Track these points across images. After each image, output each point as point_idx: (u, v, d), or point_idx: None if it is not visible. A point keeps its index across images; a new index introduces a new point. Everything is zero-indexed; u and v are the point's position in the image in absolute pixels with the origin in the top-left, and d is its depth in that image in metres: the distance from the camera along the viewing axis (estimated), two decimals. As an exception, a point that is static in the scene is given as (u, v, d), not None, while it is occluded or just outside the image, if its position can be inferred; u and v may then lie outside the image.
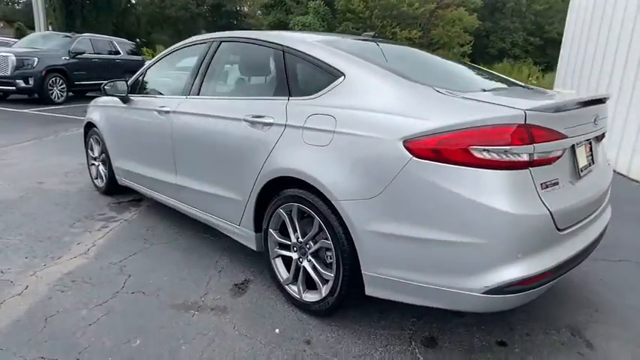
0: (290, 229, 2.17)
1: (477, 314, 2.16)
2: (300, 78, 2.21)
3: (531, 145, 1.56)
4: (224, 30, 3.03)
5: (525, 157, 1.56)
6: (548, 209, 1.59)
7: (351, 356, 1.88)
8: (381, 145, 1.73)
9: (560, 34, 27.14)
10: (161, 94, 3.33)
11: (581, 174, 1.89)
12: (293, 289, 2.21)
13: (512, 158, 1.54)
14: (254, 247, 2.46)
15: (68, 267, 2.66)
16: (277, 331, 2.05)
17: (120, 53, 12.77)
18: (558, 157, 1.68)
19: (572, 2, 7.69)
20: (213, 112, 2.55)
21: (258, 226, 2.39)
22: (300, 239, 2.13)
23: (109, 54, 12.51)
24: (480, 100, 1.69)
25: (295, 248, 2.18)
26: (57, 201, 3.86)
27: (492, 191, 1.54)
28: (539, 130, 1.58)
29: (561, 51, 7.91)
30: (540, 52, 28.67)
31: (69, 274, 2.56)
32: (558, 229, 1.65)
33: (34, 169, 4.84)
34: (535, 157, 1.58)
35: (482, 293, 1.60)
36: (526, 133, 1.55)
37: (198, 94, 2.78)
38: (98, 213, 3.60)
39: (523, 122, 1.54)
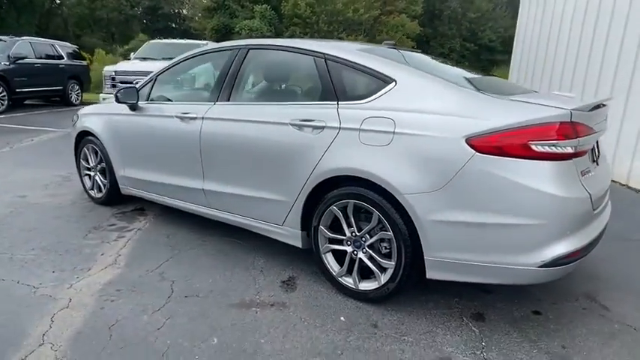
0: (344, 225, 2.35)
1: (505, 290, 2.48)
2: (347, 84, 2.41)
3: (576, 140, 1.89)
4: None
5: (571, 150, 1.88)
6: (588, 192, 1.93)
7: (418, 334, 2.11)
8: (444, 143, 1.98)
9: (492, 41, 28.90)
10: (176, 100, 3.37)
11: (598, 163, 2.27)
12: (347, 281, 2.40)
13: (563, 150, 1.86)
14: (299, 245, 2.61)
15: (104, 277, 2.65)
16: (342, 318, 2.24)
17: (63, 57, 12.11)
18: (589, 149, 2.03)
19: (522, 2, 8.50)
20: (252, 117, 2.67)
21: (303, 225, 2.55)
22: (356, 233, 2.32)
23: (51, 58, 11.82)
24: (527, 101, 2.00)
25: (349, 242, 2.37)
26: (54, 214, 3.74)
27: (547, 179, 1.85)
28: (580, 127, 1.91)
29: (514, 49, 8.69)
30: (475, 57, 30.76)
31: (110, 284, 2.56)
32: (593, 209, 2.00)
33: (7, 183, 4.60)
34: (578, 150, 1.91)
35: (539, 267, 1.90)
36: (572, 129, 1.87)
37: (228, 101, 2.88)
38: (107, 224, 3.55)
39: (569, 120, 1.87)
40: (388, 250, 2.26)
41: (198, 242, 3.18)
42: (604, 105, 2.34)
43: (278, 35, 27.40)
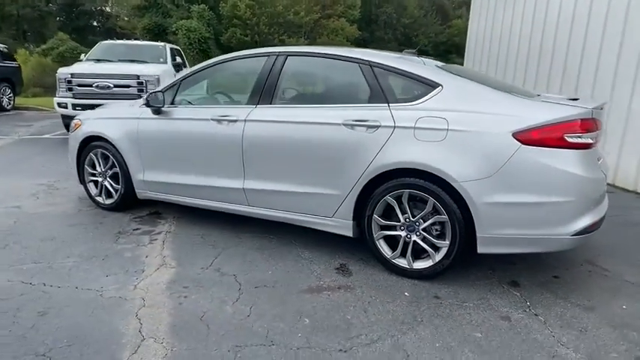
0: (399, 212, 2.70)
1: (526, 261, 2.98)
2: (394, 88, 2.76)
3: (595, 132, 2.40)
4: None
5: (592, 140, 2.39)
6: (604, 174, 2.45)
7: (475, 301, 2.51)
8: (494, 138, 2.40)
9: (425, 45, 30.59)
10: (205, 104, 3.51)
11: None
12: (401, 262, 2.75)
13: (586, 141, 2.36)
14: (349, 234, 2.91)
15: (163, 277, 2.76)
16: (407, 294, 2.58)
17: (-7, 58, 11.22)
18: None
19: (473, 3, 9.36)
20: (300, 119, 2.93)
21: (354, 215, 2.86)
22: (410, 219, 2.68)
23: (-21, 59, 10.92)
24: (556, 102, 2.49)
25: (402, 227, 2.72)
26: (67, 222, 3.70)
27: (578, 164, 2.34)
28: (597, 122, 2.42)
29: (466, 57, 9.56)
30: (410, 59, 32.67)
31: (174, 283, 2.69)
32: (605, 189, 2.53)
33: None
34: (595, 140, 2.42)
35: (571, 236, 2.39)
36: (593, 124, 2.38)
37: (270, 104, 3.10)
38: (130, 228, 3.59)
39: (591, 116, 2.37)
40: (438, 232, 2.64)
41: (235, 240, 3.35)
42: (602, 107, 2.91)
43: (217, 36, 27.10)
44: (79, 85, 7.73)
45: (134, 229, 3.58)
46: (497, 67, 8.07)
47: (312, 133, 2.88)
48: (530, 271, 2.89)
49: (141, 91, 7.94)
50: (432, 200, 2.57)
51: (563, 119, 2.35)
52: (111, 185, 3.93)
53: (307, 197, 2.97)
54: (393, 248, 2.78)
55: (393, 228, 2.76)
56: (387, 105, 2.72)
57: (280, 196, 3.09)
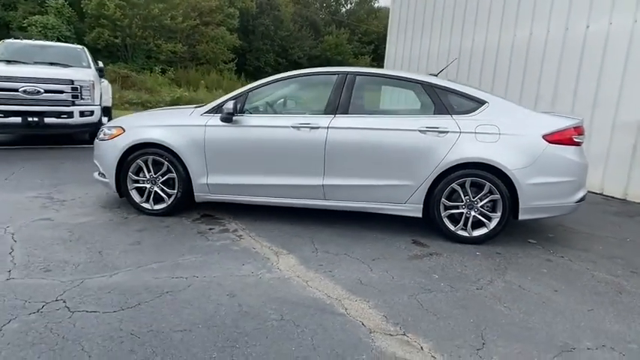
0: (462, 195, 3.73)
1: (523, 227, 4.29)
2: (453, 103, 3.79)
3: (584, 135, 3.79)
4: None
5: (582, 140, 3.77)
6: (587, 162, 3.87)
7: (521, 254, 3.67)
8: (531, 139, 3.62)
9: (300, 57, 32.64)
10: (275, 113, 4.06)
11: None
12: (462, 232, 3.78)
13: (582, 140, 3.73)
14: (419, 215, 3.85)
15: (291, 260, 3.31)
16: (478, 253, 3.62)
17: None
18: (580, 140, 3.99)
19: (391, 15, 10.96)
20: (379, 126, 3.76)
21: (425, 200, 3.81)
22: (470, 199, 3.74)
23: None
24: (560, 115, 3.82)
25: (464, 206, 3.77)
26: (129, 229, 3.84)
27: (579, 155, 3.69)
28: (583, 127, 3.83)
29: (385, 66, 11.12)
30: (287, 71, 34.39)
31: (306, 262, 3.27)
32: (585, 172, 3.96)
33: None
34: (583, 140, 3.82)
35: (574, 203, 3.74)
36: (583, 129, 3.77)
37: (347, 113, 3.86)
38: (207, 228, 3.92)
39: (582, 124, 3.76)
40: (489, 208, 3.76)
41: (309, 230, 3.97)
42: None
43: (80, 36, 24.79)
44: (2, 90, 7.03)
45: (209, 229, 3.91)
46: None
47: (390, 138, 3.74)
48: (525, 231, 4.19)
49: (75, 97, 7.58)
50: (488, 184, 3.66)
51: (570, 126, 3.68)
52: (164, 191, 4.13)
53: (384, 189, 3.81)
54: (454, 223, 3.79)
55: (456, 207, 3.78)
56: (450, 116, 3.74)
57: (358, 190, 3.85)
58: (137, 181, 4.17)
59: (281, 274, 3.07)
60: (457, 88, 3.84)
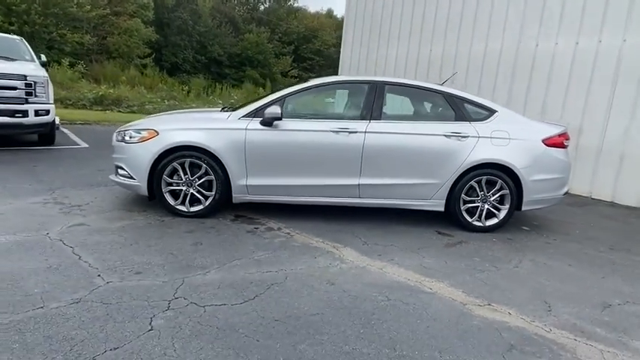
0: (478, 190, 4.47)
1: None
2: (470, 112, 4.50)
3: (569, 140, 4.75)
4: None
5: (568, 143, 4.72)
6: (570, 161, 4.84)
7: (526, 242, 4.50)
8: (533, 143, 4.46)
9: (220, 55, 32.25)
10: (312, 118, 4.43)
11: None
12: (478, 223, 4.52)
13: (567, 144, 4.68)
14: (441, 210, 4.51)
15: (354, 252, 3.77)
16: (494, 240, 4.37)
17: None
18: (560, 144, 4.96)
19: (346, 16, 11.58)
20: (410, 131, 4.34)
21: (447, 197, 4.48)
22: (485, 194, 4.49)
23: None
24: (551, 123, 4.74)
25: (479, 200, 4.51)
26: (177, 231, 3.98)
27: (566, 156, 4.63)
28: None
29: (340, 68, 11.70)
30: (206, 69, 33.67)
31: (382, 256, 3.75)
32: (566, 170, 4.94)
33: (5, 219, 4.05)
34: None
35: (562, 195, 4.68)
36: (569, 135, 4.72)
37: (380, 119, 4.38)
38: (253, 227, 4.18)
39: (567, 131, 4.71)
40: (498, 201, 4.54)
41: (349, 228, 4.43)
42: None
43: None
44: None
45: (254, 228, 4.17)
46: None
47: (420, 141, 4.34)
48: (522, 223, 5.09)
49: (29, 94, 7.15)
50: (500, 181, 4.44)
51: (561, 132, 4.60)
52: (201, 193, 4.29)
53: (413, 187, 4.40)
54: (470, 215, 4.52)
55: (472, 202, 4.50)
56: (469, 123, 4.45)
57: (390, 188, 4.40)
58: (170, 184, 4.26)
59: (353, 264, 3.49)
60: (473, 99, 4.56)
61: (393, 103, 4.70)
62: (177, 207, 4.29)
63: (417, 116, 4.70)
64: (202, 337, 2.33)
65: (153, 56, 28.07)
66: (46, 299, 2.59)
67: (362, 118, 4.39)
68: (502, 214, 4.53)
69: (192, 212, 4.30)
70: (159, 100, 18.36)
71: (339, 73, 11.97)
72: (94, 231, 3.78)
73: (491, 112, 4.56)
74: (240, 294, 2.84)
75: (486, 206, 4.51)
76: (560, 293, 3.23)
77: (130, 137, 4.32)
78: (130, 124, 4.63)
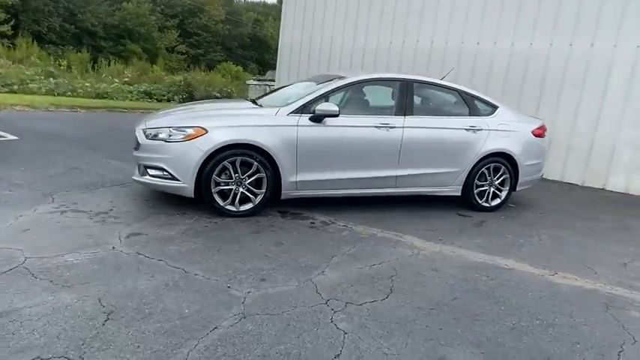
0: (487, 176, 5.17)
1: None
2: (480, 107, 5.12)
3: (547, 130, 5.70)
4: None
5: (546, 134, 5.67)
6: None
7: (526, 217, 5.36)
8: (525, 134, 5.28)
9: (94, 25, 29.07)
10: (351, 114, 4.61)
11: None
12: (486, 204, 5.24)
13: (545, 134, 5.62)
14: (459, 194, 5.12)
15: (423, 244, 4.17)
16: (503, 217, 5.13)
17: None
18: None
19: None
20: (438, 125, 4.81)
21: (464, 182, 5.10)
22: (492, 178, 5.21)
23: None
24: (534, 117, 5.62)
25: (487, 185, 5.22)
26: (243, 232, 3.95)
27: (545, 143, 5.58)
28: (543, 125, 5.74)
29: (279, 54, 11.49)
30: (77, 40, 29.88)
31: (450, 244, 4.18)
32: (537, 154, 5.93)
33: (47, 237, 3.67)
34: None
35: (540, 177, 5.66)
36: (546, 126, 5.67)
37: (412, 114, 4.77)
38: (320, 222, 4.30)
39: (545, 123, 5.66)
40: (500, 183, 5.30)
41: (388, 215, 4.78)
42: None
43: None
44: None
45: (311, 223, 4.29)
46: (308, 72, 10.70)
47: (446, 134, 4.86)
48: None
49: None
50: (503, 167, 5.20)
51: (542, 124, 5.50)
52: (252, 191, 4.24)
53: (440, 175, 4.92)
54: (480, 197, 5.22)
55: (482, 185, 5.20)
56: (480, 117, 5.09)
57: (422, 177, 4.85)
58: (219, 184, 4.12)
59: (428, 250, 3.88)
60: (480, 95, 5.20)
61: (421, 99, 5.10)
62: (227, 207, 4.18)
63: (440, 111, 5.17)
64: (394, 333, 2.52)
65: (11, 23, 24.01)
66: (209, 320, 2.49)
67: (397, 113, 4.71)
68: (503, 195, 5.31)
69: (241, 211, 4.23)
70: (42, 78, 15.97)
71: (278, 59, 11.68)
72: (159, 240, 3.54)
73: (495, 107, 5.25)
74: (376, 289, 3.04)
75: (492, 189, 5.23)
76: (588, 259, 4.04)
77: (170, 135, 4.04)
78: (154, 121, 4.30)
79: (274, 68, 17.67)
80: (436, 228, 4.50)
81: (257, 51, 39.92)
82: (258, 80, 15.78)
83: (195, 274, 3.01)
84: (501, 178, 5.26)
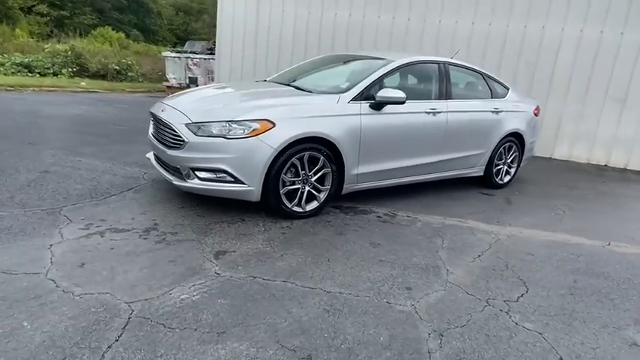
0: (505, 154, 5.46)
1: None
2: (497, 89, 5.33)
3: (537, 109, 6.18)
4: None
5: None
6: (530, 125, 6.32)
7: (538, 191, 5.81)
8: (529, 114, 5.66)
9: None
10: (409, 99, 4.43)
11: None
12: (500, 181, 5.55)
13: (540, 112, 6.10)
14: (482, 174, 5.35)
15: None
16: (517, 193, 5.50)
17: None
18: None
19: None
20: (471, 109, 4.92)
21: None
22: (506, 157, 5.53)
23: None
24: (527, 97, 6.03)
25: (503, 163, 5.52)
26: (333, 241, 3.70)
27: (539, 120, 6.07)
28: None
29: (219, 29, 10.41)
30: None
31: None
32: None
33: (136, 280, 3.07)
34: (535, 112, 6.21)
35: (533, 153, 6.17)
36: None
37: (451, 98, 4.79)
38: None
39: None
40: (510, 161, 5.65)
41: (426, 200, 4.80)
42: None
43: None
44: None
45: (377, 217, 4.13)
46: (256, 50, 10.05)
47: (479, 117, 5.00)
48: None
49: None
50: (515, 146, 5.54)
51: (538, 104, 5.94)
52: (314, 188, 3.91)
53: (472, 157, 5.08)
54: (497, 176, 5.51)
55: (498, 165, 5.49)
56: (499, 99, 5.32)
57: (458, 160, 4.96)
58: (285, 183, 3.72)
59: (500, 233, 4.02)
60: (497, 78, 5.40)
61: (455, 82, 5.07)
62: (294, 208, 3.80)
63: (471, 95, 5.25)
64: (573, 324, 2.60)
65: None
66: (417, 346, 2.29)
67: (440, 97, 4.69)
68: (512, 172, 5.68)
69: (307, 212, 3.90)
70: None
71: (218, 32, 10.42)
72: (254, 256, 3.12)
73: (507, 89, 5.52)
74: (509, 282, 3.09)
75: (505, 167, 5.55)
76: (617, 228, 4.54)
77: (230, 130, 3.48)
78: (201, 114, 3.64)
79: (158, 35, 16.09)
80: (482, 210, 4.66)
81: (136, 15, 35.73)
82: (178, 52, 14.21)
83: (339, 292, 2.73)
84: (513, 156, 5.59)
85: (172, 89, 13.32)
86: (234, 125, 3.50)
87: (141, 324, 2.22)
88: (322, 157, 3.81)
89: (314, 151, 3.75)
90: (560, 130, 8.27)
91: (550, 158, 8.40)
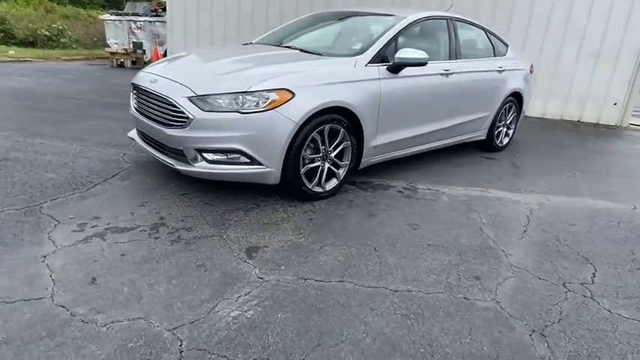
0: (505, 115, 5.24)
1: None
2: (499, 46, 5.01)
3: (529, 67, 5.99)
4: None
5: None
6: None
7: (539, 151, 5.68)
8: (526, 71, 5.43)
9: None
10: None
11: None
12: (500, 144, 5.36)
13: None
14: (484, 138, 5.12)
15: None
16: (517, 154, 5.36)
17: None
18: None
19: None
20: (477, 68, 4.56)
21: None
22: (508, 119, 5.32)
23: None
24: (522, 56, 5.81)
25: (503, 125, 5.32)
26: (368, 225, 3.33)
27: (533, 78, 5.90)
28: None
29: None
30: None
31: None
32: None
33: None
34: (524, 69, 6.02)
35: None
36: (530, 65, 5.94)
37: (460, 58, 4.43)
38: (399, 193, 3.80)
39: (531, 64, 5.92)
40: (509, 122, 5.46)
41: (440, 169, 4.52)
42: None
43: None
44: None
45: (399, 192, 3.78)
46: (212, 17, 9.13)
47: (486, 77, 4.68)
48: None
49: None
50: (515, 107, 5.34)
51: (531, 63, 5.74)
52: (336, 165, 3.50)
53: (478, 120, 4.79)
54: (498, 137, 5.31)
55: (499, 127, 5.28)
56: (501, 57, 5.03)
57: (467, 124, 4.66)
58: (305, 161, 3.27)
59: (531, 203, 3.79)
60: (497, 34, 5.08)
61: (461, 40, 4.68)
62: (315, 189, 3.37)
63: (477, 54, 4.87)
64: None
65: None
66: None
67: (451, 57, 4.32)
68: (511, 133, 5.50)
69: (327, 191, 3.47)
70: None
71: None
72: (290, 251, 2.67)
73: (507, 46, 5.23)
74: (573, 260, 2.87)
75: (504, 129, 5.36)
76: (630, 189, 4.49)
77: (244, 104, 2.96)
78: (206, 84, 3.06)
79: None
80: (496, 176, 4.44)
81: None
82: (118, 15, 12.74)
83: (408, 291, 2.37)
84: (512, 117, 5.40)
85: (116, 55, 12.09)
86: (247, 97, 2.95)
87: (198, 359, 1.76)
88: (342, 130, 3.37)
89: (335, 123, 3.30)
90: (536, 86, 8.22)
91: (526, 116, 8.38)
